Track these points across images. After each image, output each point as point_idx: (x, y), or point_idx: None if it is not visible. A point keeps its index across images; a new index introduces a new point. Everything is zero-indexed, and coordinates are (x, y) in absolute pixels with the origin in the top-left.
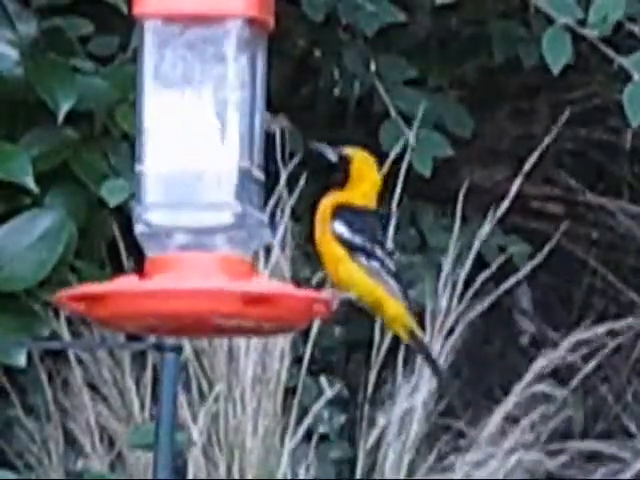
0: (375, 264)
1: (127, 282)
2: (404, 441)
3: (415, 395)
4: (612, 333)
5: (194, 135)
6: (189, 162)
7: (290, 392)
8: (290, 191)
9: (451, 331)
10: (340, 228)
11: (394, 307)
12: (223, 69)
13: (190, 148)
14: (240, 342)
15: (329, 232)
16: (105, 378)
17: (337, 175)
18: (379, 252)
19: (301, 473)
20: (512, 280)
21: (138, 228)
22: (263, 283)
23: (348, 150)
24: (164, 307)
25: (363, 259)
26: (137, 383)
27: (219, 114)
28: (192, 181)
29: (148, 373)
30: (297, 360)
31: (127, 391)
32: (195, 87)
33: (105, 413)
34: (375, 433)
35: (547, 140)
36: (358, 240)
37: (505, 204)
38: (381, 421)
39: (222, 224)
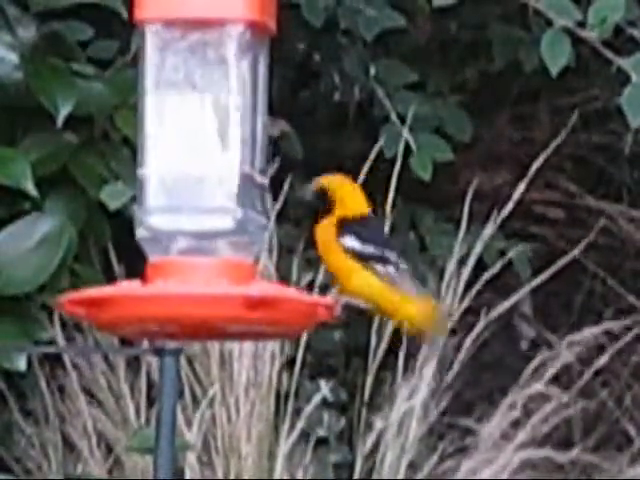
0: (391, 269)
1: (129, 287)
2: (402, 443)
3: (414, 396)
4: (611, 337)
5: (196, 139)
6: (191, 166)
7: (292, 396)
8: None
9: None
10: (350, 242)
11: (415, 309)
12: (224, 73)
13: (192, 152)
14: (233, 346)
15: (339, 248)
16: (100, 383)
17: (321, 207)
18: (392, 257)
19: (299, 477)
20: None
21: (140, 232)
22: (265, 287)
23: (321, 181)
24: (166, 312)
25: (378, 266)
26: (132, 388)
27: (221, 118)
28: (194, 185)
29: (142, 378)
30: (300, 365)
31: (122, 396)
32: (197, 91)
33: (102, 418)
34: (373, 436)
35: (553, 145)
36: (371, 249)
37: (508, 209)
38: (379, 424)
39: (223, 229)
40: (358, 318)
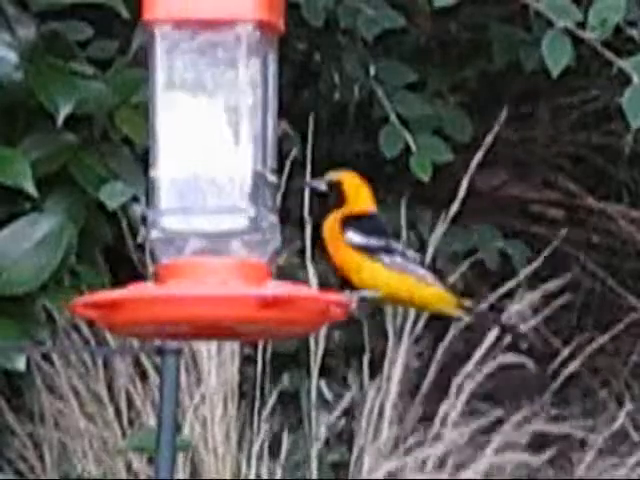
0: (397, 259)
1: (143, 289)
2: (377, 441)
3: (386, 396)
4: (611, 336)
5: (207, 140)
6: (202, 167)
7: (289, 396)
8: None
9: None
10: (353, 237)
11: (430, 291)
12: (234, 73)
13: (203, 153)
14: (201, 347)
15: (343, 244)
16: (75, 384)
17: (331, 200)
18: (397, 246)
19: (298, 476)
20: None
21: (152, 234)
22: (279, 287)
23: (335, 175)
24: (180, 313)
25: (384, 257)
26: (109, 389)
27: (231, 118)
28: (206, 186)
29: (121, 379)
30: (300, 365)
31: (101, 397)
32: (207, 92)
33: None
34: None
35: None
36: (374, 242)
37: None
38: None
39: (237, 228)
40: (357, 318)
